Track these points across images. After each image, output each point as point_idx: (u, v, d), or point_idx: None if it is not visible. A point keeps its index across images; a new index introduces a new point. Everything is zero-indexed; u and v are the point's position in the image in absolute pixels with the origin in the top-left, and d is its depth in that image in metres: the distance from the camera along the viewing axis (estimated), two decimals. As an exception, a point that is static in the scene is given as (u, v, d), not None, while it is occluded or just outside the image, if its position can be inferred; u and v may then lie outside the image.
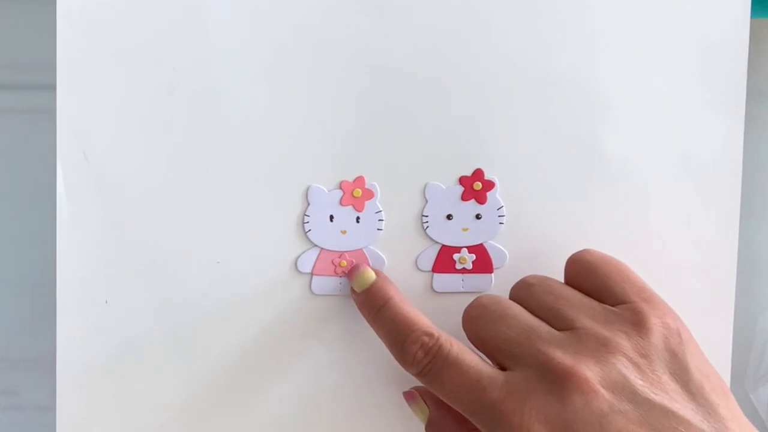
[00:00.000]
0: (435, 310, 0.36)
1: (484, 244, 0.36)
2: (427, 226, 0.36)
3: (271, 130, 0.35)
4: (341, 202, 0.36)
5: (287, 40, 0.35)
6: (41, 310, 0.43)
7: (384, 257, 0.36)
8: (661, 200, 0.36)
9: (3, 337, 0.44)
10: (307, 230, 0.36)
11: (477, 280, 0.36)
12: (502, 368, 0.31)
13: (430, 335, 0.32)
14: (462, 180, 0.36)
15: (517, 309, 0.32)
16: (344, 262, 0.36)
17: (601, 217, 0.36)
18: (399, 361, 0.33)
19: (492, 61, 0.35)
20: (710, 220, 0.36)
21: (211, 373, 0.36)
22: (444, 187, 0.36)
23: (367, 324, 0.35)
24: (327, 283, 0.36)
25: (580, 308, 0.32)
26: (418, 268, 0.36)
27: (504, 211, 0.36)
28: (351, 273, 0.35)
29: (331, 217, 0.36)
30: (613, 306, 0.32)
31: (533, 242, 0.36)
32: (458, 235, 0.36)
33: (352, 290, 0.35)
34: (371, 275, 0.35)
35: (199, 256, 0.35)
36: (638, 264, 0.36)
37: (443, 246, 0.36)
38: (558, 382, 0.29)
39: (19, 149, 0.43)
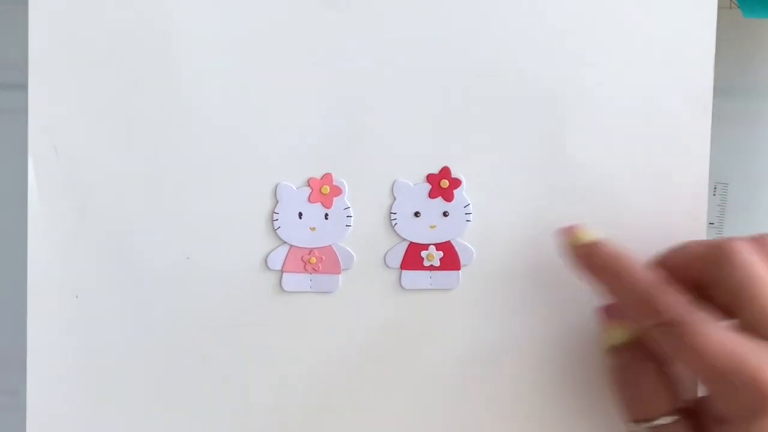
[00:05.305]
0: (403, 307, 0.36)
1: (452, 241, 0.36)
2: (395, 223, 0.36)
3: (240, 128, 0.35)
4: (310, 199, 0.36)
5: (254, 38, 0.35)
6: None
7: (353, 254, 0.36)
8: (628, 197, 0.36)
9: (3, 337, 0.44)
10: (276, 227, 0.36)
11: (444, 277, 0.36)
12: None
13: None
14: (429, 178, 0.36)
15: None
16: (314, 258, 0.36)
17: (567, 215, 0.36)
18: None
19: (458, 59, 0.36)
20: (677, 217, 0.36)
21: (182, 369, 0.36)
22: (412, 185, 0.36)
23: (338, 321, 0.35)
24: (297, 280, 0.36)
25: None
26: (387, 265, 0.36)
27: (471, 208, 0.36)
28: None
29: (300, 214, 0.36)
30: None
31: (500, 239, 0.36)
32: (426, 232, 0.36)
33: None
34: None
35: (169, 252, 0.36)
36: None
37: (411, 243, 0.36)
38: None
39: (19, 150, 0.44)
